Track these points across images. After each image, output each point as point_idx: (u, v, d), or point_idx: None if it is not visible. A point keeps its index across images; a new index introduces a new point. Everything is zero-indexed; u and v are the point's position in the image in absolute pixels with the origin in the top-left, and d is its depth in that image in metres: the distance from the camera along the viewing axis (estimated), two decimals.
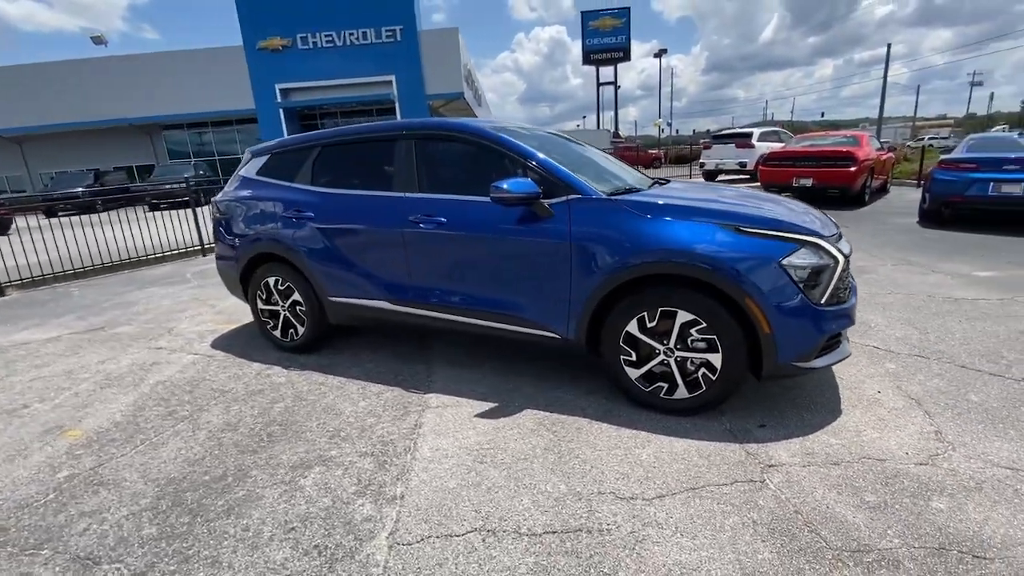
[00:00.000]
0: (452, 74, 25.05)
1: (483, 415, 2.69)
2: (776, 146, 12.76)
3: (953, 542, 1.68)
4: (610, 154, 4.17)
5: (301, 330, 3.68)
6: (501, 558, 1.70)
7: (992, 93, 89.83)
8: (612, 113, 49.20)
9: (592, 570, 1.63)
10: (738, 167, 14.28)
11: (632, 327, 2.55)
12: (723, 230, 2.38)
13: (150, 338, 4.20)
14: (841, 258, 2.38)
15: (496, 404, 2.79)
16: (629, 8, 44.27)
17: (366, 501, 2.02)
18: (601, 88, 46.58)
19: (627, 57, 44.54)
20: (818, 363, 2.40)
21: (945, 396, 2.62)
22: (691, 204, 2.59)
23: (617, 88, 48.29)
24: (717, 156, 14.89)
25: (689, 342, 2.45)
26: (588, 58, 44.42)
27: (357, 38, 23.12)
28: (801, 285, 2.29)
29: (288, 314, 3.72)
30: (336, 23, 22.84)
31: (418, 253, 3.07)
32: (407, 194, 3.13)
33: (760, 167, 10.20)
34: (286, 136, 4.73)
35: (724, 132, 16.45)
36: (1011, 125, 44.95)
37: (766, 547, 1.69)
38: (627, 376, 2.64)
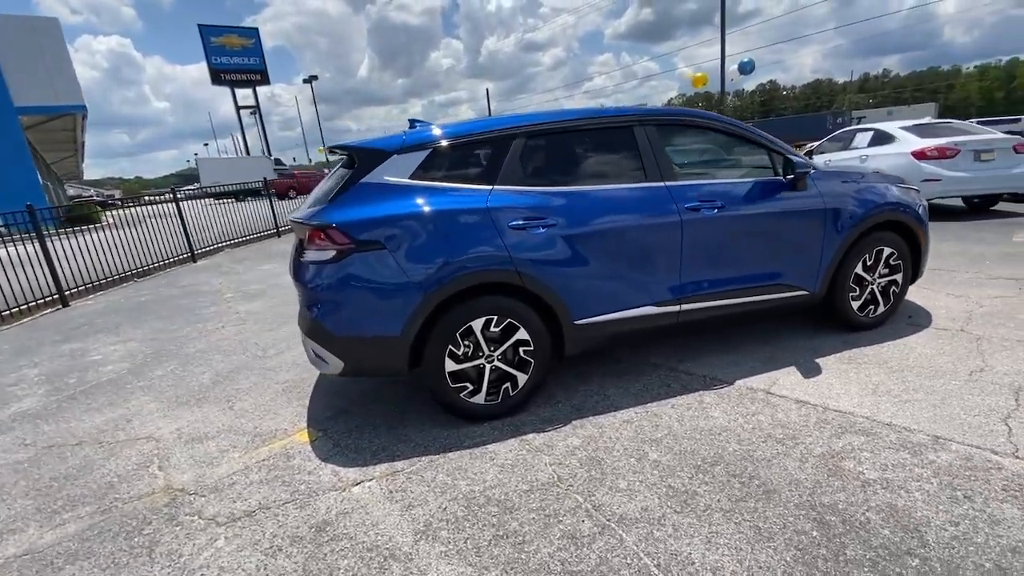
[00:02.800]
0: (59, 80, 18.03)
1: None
2: None
3: None
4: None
5: (522, 380, 2.67)
6: None
7: None
8: (246, 138, 44.85)
9: None
10: None
11: (859, 268, 3.39)
12: (895, 186, 3.51)
13: None
14: None
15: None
16: (257, 28, 41.38)
17: None
18: (210, 113, 41.90)
19: (266, 80, 41.64)
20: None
21: None
22: (861, 170, 3.62)
23: (257, 113, 44.52)
24: None
25: (886, 268, 3.48)
26: (219, 77, 39.26)
27: None
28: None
29: (501, 364, 2.63)
30: None
31: (695, 243, 2.97)
32: (668, 183, 2.98)
33: None
34: (418, 127, 3.03)
35: None
36: None
37: None
38: (850, 306, 3.46)
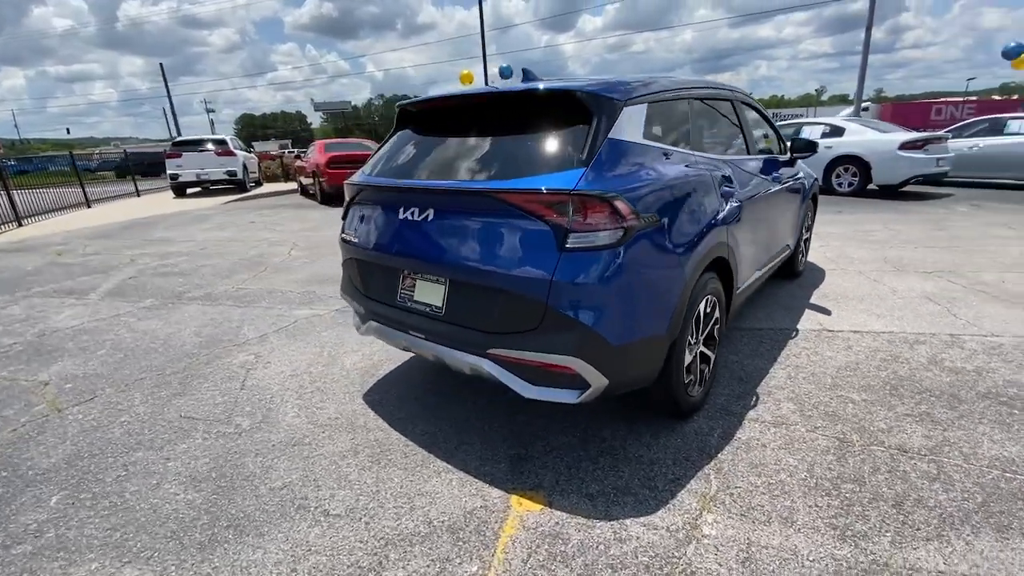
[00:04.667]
0: None
1: None
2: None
3: None
4: None
5: (712, 361, 2.51)
6: None
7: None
8: None
9: None
10: (227, 176, 12.93)
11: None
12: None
13: None
14: None
15: None
16: None
17: None
18: None
19: None
20: None
21: None
22: None
23: None
24: (195, 166, 12.68)
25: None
26: None
27: None
28: None
29: (704, 347, 2.38)
30: None
31: (778, 210, 3.39)
32: (764, 156, 3.30)
33: (327, 171, 10.55)
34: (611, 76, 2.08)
35: (192, 139, 13.77)
36: None
37: None
38: (804, 255, 4.52)
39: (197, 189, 14.78)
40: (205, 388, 2.86)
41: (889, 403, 2.43)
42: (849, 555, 1.58)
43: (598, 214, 1.69)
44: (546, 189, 1.70)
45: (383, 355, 3.19)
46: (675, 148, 2.26)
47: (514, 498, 1.90)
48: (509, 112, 2.06)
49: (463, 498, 1.91)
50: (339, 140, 12.36)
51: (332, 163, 10.48)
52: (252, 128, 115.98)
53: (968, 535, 1.64)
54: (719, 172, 2.44)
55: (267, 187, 15.92)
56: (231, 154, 13.14)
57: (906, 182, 8.57)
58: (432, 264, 2.00)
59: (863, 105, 25.65)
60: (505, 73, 16.87)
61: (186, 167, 12.85)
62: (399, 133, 2.45)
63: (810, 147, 3.67)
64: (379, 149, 2.51)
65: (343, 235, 2.46)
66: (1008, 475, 1.90)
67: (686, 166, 2.18)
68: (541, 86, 1.95)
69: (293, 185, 15.56)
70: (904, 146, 8.33)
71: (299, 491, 1.98)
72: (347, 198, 2.47)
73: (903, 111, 26.61)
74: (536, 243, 1.73)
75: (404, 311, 2.15)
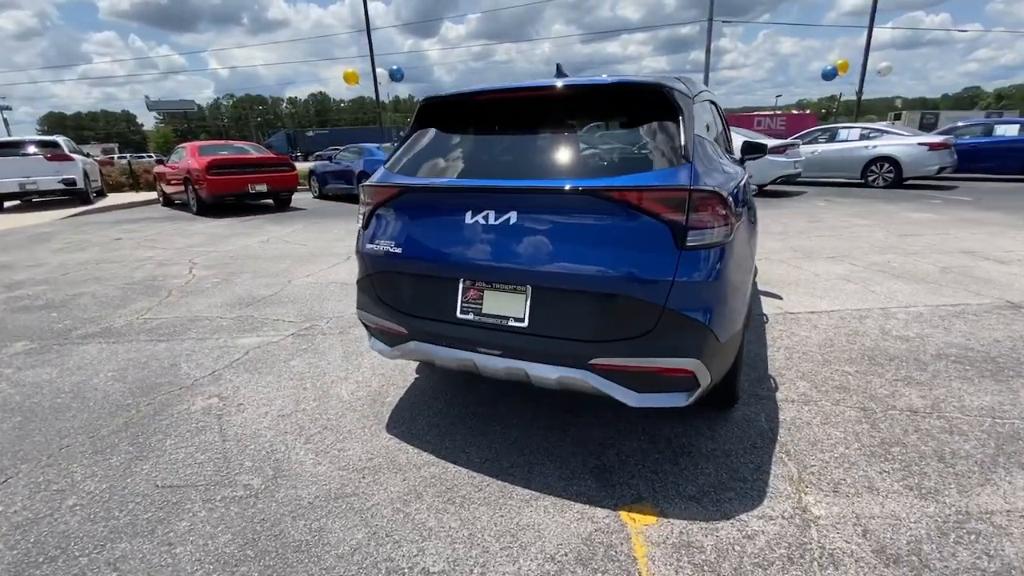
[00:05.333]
0: None
1: None
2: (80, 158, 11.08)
3: None
4: None
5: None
6: None
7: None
8: None
9: None
10: (64, 186, 10.46)
11: None
12: None
13: None
14: None
15: None
16: None
17: None
18: None
19: None
20: None
21: None
22: None
23: None
24: (17, 173, 10.04)
25: None
26: None
27: None
28: None
29: None
30: None
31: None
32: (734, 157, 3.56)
33: (207, 177, 9.10)
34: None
35: (8, 140, 10.71)
36: None
37: None
38: None
39: (16, 202, 11.93)
40: (172, 445, 2.28)
41: (877, 372, 2.77)
42: (937, 511, 1.76)
43: (711, 211, 1.66)
44: (667, 185, 1.64)
45: (380, 379, 2.84)
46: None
47: (623, 514, 1.79)
48: (581, 106, 1.95)
49: (570, 524, 1.76)
50: (214, 142, 10.86)
51: (214, 168, 9.16)
52: (63, 129, 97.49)
53: (1006, 476, 1.92)
54: (745, 170, 2.59)
55: (114, 198, 13.42)
56: (67, 159, 10.75)
57: (773, 182, 10.05)
58: (512, 272, 1.81)
59: None
60: (396, 75, 16.24)
61: (3, 175, 10.23)
62: (428, 130, 2.19)
63: (759, 149, 4.06)
64: (402, 147, 2.22)
65: (369, 246, 2.12)
66: (999, 421, 2.27)
67: (733, 163, 2.27)
68: (620, 80, 1.88)
69: (150, 195, 13.37)
70: (771, 151, 9.72)
71: (378, 552, 1.66)
72: (370, 203, 2.14)
73: (733, 121, 31.48)
74: (653, 243, 1.65)
75: (467, 326, 1.92)
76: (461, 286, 1.93)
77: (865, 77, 22.21)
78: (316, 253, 6.21)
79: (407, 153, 2.18)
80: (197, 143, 10.48)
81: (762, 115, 31.69)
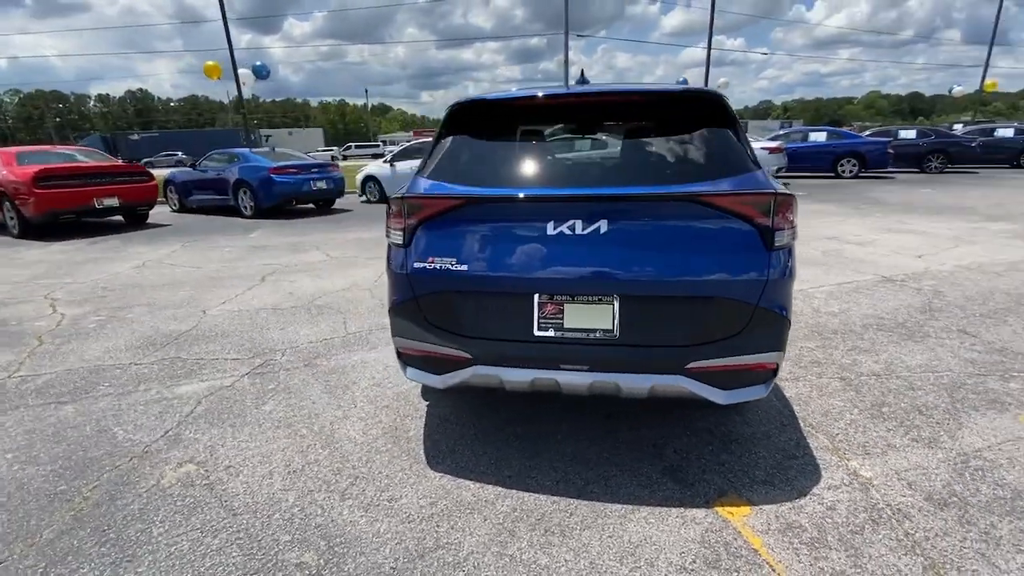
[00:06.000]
0: None
1: None
2: None
3: None
4: None
5: None
6: None
7: None
8: None
9: None
10: None
11: None
12: None
13: None
14: None
15: None
16: None
17: None
18: None
19: None
20: None
21: None
22: None
23: None
24: None
25: None
26: None
27: None
28: None
29: None
30: None
31: None
32: None
33: (35, 191, 7.17)
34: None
35: None
36: None
37: None
38: None
39: None
40: (163, 534, 1.79)
41: (832, 345, 3.22)
42: (946, 457, 2.10)
43: (786, 213, 1.78)
44: (756, 190, 1.71)
45: (388, 412, 2.56)
46: None
47: (719, 510, 1.84)
48: (641, 112, 1.95)
49: (678, 530, 1.76)
50: (35, 149, 8.74)
51: (44, 180, 7.36)
52: None
53: (970, 419, 2.36)
54: None
55: None
56: None
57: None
58: (600, 283, 1.75)
59: None
60: (261, 72, 14.54)
61: None
62: (468, 135, 2.02)
63: None
64: (440, 154, 2.01)
65: (419, 264, 1.88)
66: (938, 374, 2.79)
67: None
68: (687, 88, 1.93)
69: None
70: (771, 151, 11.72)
71: None
72: (417, 216, 1.90)
73: None
74: (747, 245, 1.72)
75: (547, 344, 1.81)
76: (537, 301, 1.82)
77: None
78: (218, 276, 5.35)
79: (449, 160, 1.98)
80: (12, 149, 8.32)
81: None
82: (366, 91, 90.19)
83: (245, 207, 9.51)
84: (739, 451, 2.19)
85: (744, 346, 1.77)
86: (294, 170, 9.35)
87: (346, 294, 4.58)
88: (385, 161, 11.50)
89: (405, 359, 2.09)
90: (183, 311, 4.22)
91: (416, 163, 10.79)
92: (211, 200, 10.28)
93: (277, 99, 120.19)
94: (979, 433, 2.25)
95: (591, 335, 1.79)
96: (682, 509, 1.86)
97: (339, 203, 11.18)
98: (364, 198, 11.92)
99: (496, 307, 1.87)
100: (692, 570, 1.59)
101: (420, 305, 1.94)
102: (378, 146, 52.51)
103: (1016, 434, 2.23)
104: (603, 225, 1.73)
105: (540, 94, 1.99)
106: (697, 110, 1.94)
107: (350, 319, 3.91)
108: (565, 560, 1.65)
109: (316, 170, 9.73)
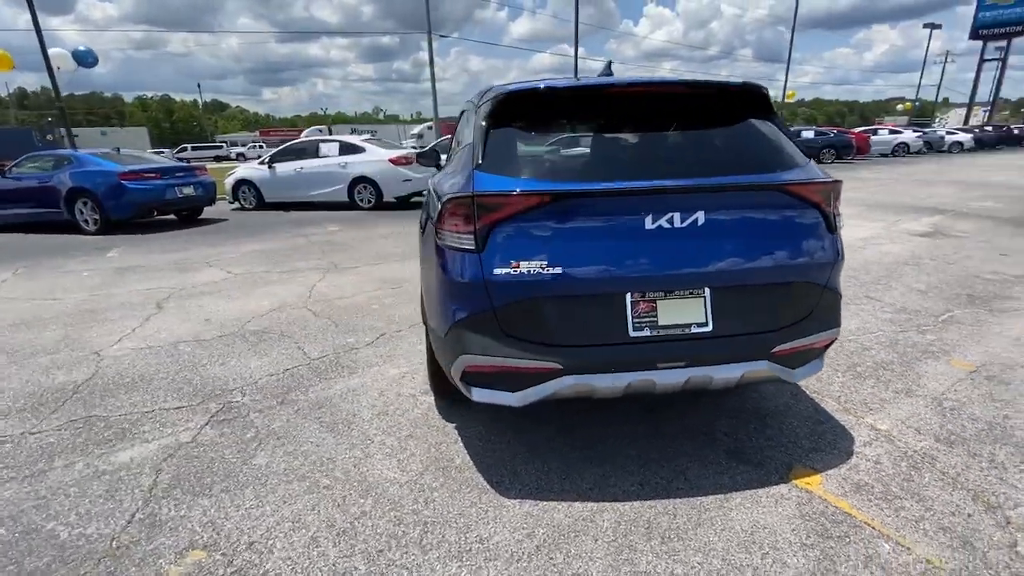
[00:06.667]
0: None
1: None
2: None
3: None
4: None
5: None
6: None
7: None
8: None
9: None
10: None
11: None
12: None
13: None
14: None
15: None
16: None
17: None
18: None
19: None
20: None
21: None
22: None
23: None
24: None
25: None
26: None
27: None
28: None
29: None
30: None
31: None
32: None
33: None
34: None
35: None
36: None
37: None
38: None
39: None
40: None
41: None
42: (926, 403, 2.47)
43: (838, 199, 1.93)
44: (824, 179, 1.82)
45: (417, 443, 2.27)
46: None
47: (796, 483, 1.95)
48: (700, 104, 1.95)
49: (776, 508, 1.82)
50: None
51: None
52: None
53: (921, 367, 2.83)
54: None
55: None
56: None
57: None
58: (693, 276, 1.73)
59: (428, 124, 34.21)
60: (87, 59, 11.72)
61: None
62: (517, 128, 1.85)
63: None
64: (494, 147, 1.80)
65: (501, 271, 1.66)
66: (872, 335, 3.30)
67: None
68: (745, 82, 1.96)
69: None
70: None
71: None
72: (494, 216, 1.67)
73: (447, 130, 35.09)
74: (818, 231, 1.82)
75: (643, 344, 1.74)
76: (629, 300, 1.73)
77: None
78: (92, 308, 4.25)
79: (507, 153, 1.79)
80: None
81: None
82: (199, 86, 79.69)
83: (87, 221, 7.71)
84: (777, 425, 2.35)
85: (817, 326, 1.90)
86: (152, 174, 7.81)
87: (280, 315, 3.96)
88: (262, 162, 10.22)
89: (471, 379, 1.85)
90: (64, 356, 3.28)
91: (303, 163, 9.82)
92: (29, 215, 8.17)
93: (77, 93, 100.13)
94: (934, 379, 2.71)
95: (686, 330, 1.77)
96: (767, 488, 1.93)
97: (208, 211, 9.67)
98: (236, 204, 10.47)
99: (587, 310, 1.74)
100: (811, 544, 1.66)
101: (498, 316, 1.73)
102: (221, 147, 46.59)
103: (957, 376, 2.73)
104: (700, 217, 1.71)
105: (600, 83, 1.90)
106: (746, 103, 2.01)
107: (306, 344, 3.38)
108: (698, 563, 1.60)
109: (181, 174, 8.24)
